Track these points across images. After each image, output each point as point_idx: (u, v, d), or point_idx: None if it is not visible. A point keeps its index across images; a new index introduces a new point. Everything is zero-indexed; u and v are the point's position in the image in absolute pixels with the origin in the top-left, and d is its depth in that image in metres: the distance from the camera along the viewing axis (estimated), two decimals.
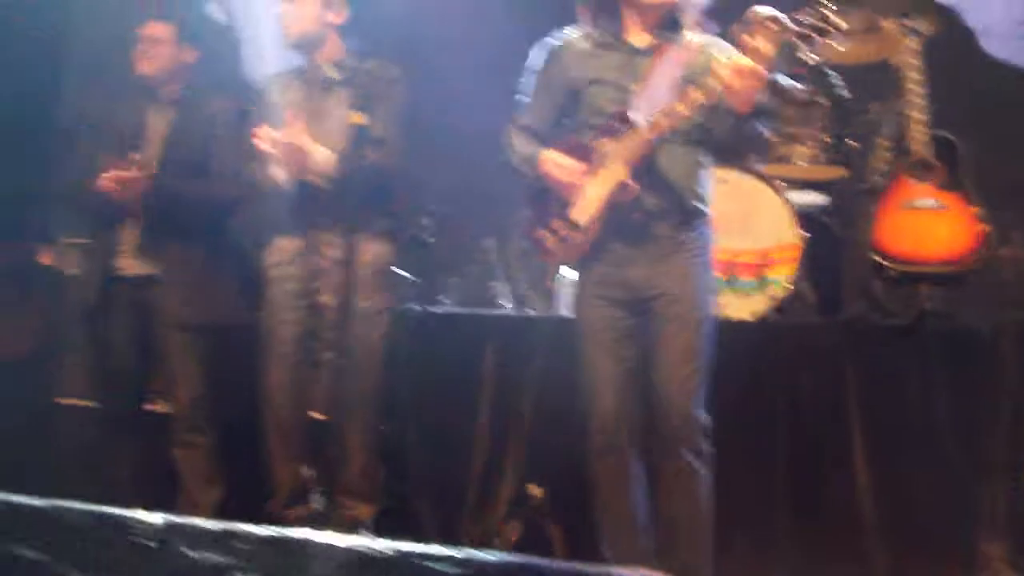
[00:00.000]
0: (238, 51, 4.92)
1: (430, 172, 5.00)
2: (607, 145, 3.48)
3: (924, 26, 4.74)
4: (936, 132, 4.58)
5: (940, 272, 4.46)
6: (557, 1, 3.90)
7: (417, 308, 4.79)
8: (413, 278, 4.99)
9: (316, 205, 4.12)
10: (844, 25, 3.16)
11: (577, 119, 3.67)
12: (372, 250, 4.16)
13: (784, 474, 4.40)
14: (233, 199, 4.47)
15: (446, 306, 5.14)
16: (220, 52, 4.83)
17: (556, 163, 3.53)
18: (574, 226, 3.53)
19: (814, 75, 5.16)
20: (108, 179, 4.25)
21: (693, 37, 3.57)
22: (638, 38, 3.57)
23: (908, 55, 4.64)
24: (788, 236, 4.74)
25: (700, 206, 3.55)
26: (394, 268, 4.46)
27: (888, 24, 4.95)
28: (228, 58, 5.03)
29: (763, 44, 3.19)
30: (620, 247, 3.51)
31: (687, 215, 3.52)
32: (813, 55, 3.25)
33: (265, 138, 3.98)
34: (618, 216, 3.48)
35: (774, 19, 3.19)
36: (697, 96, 3.31)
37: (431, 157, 4.92)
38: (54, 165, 5.16)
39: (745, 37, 3.24)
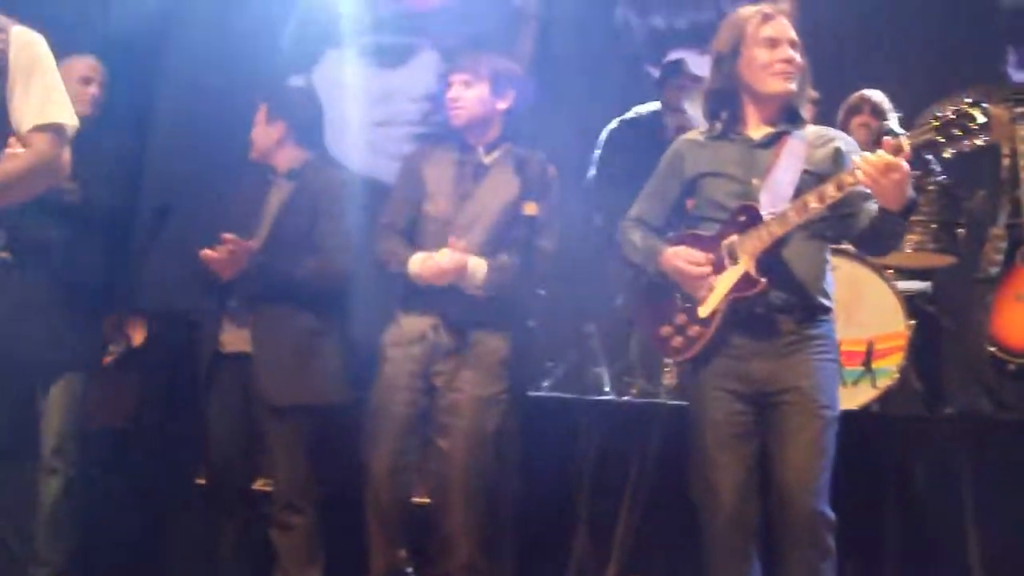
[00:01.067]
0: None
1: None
2: (733, 239, 3.45)
3: None
4: None
5: None
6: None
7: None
8: None
9: (453, 291, 4.12)
10: (983, 120, 3.11)
11: (693, 212, 3.65)
12: (494, 339, 4.15)
13: (895, 571, 4.29)
14: (334, 276, 4.44)
15: (548, 391, 5.09)
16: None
17: (684, 258, 3.50)
18: (701, 322, 3.49)
19: (915, 159, 5.11)
20: (208, 256, 4.26)
21: (810, 127, 3.55)
22: (756, 130, 3.55)
23: (1020, 141, 4.58)
24: (895, 325, 4.66)
25: (824, 301, 3.50)
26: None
27: (995, 110, 4.88)
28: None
29: (905, 140, 3.16)
30: (743, 341, 3.46)
31: (812, 310, 3.47)
32: (951, 151, 3.19)
33: (428, 268, 4.02)
34: (742, 310, 3.44)
35: (931, 118, 3.17)
36: (832, 192, 3.28)
37: None
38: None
39: (888, 140, 3.20)
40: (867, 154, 3.21)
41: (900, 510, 4.34)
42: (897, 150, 3.16)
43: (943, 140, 3.14)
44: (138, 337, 5.28)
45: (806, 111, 3.58)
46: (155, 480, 5.20)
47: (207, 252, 4.25)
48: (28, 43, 3.22)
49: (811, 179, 3.43)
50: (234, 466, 4.53)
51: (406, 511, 4.32)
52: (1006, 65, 6.76)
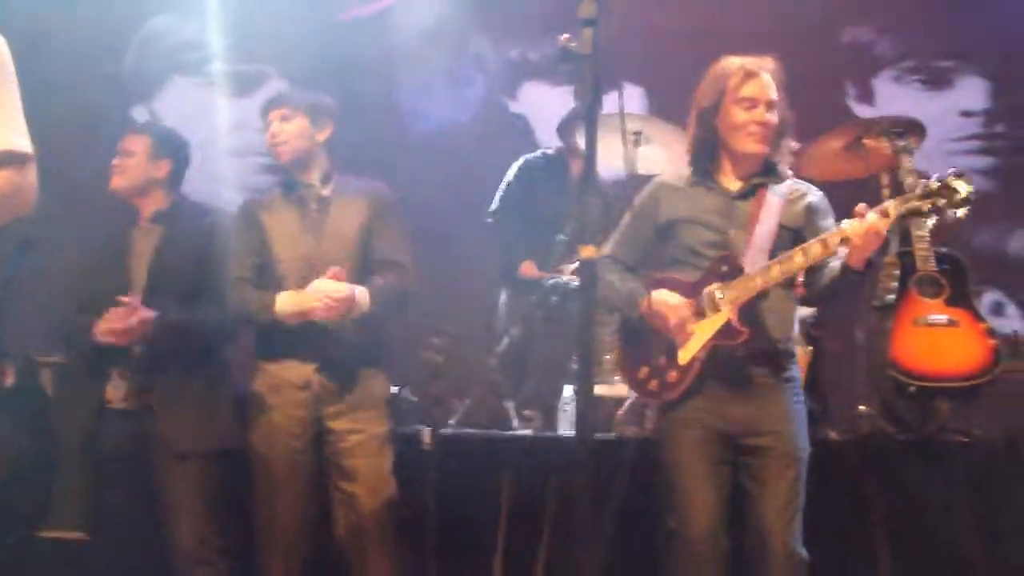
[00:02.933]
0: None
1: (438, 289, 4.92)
2: (714, 287, 3.49)
3: (913, 143, 4.93)
4: (940, 249, 4.73)
5: (956, 387, 4.56)
6: None
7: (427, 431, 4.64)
8: (414, 398, 4.88)
9: (326, 333, 4.02)
10: (966, 192, 3.25)
11: (666, 255, 3.67)
12: (377, 375, 4.15)
13: None
14: (234, 323, 4.28)
15: (456, 428, 5.00)
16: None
17: (667, 304, 3.51)
18: (680, 367, 3.51)
19: None
20: (106, 330, 4.06)
21: (786, 182, 3.63)
22: (733, 182, 3.62)
23: (905, 174, 4.79)
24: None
25: (793, 347, 3.59)
26: (396, 391, 4.39)
27: (872, 142, 5.10)
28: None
29: (892, 208, 3.28)
30: (719, 385, 3.54)
31: (784, 356, 3.58)
32: (933, 219, 3.34)
33: (322, 300, 3.91)
34: (720, 358, 3.50)
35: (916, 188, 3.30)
36: (817, 251, 3.37)
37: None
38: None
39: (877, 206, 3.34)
40: (856, 221, 3.28)
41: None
42: (884, 215, 3.28)
43: (928, 209, 3.28)
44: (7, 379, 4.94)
45: (785, 164, 3.65)
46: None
47: (104, 328, 4.05)
48: None
49: (786, 233, 3.56)
50: (127, 516, 4.27)
51: (314, 558, 4.19)
52: (847, 98, 7.11)
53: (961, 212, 3.29)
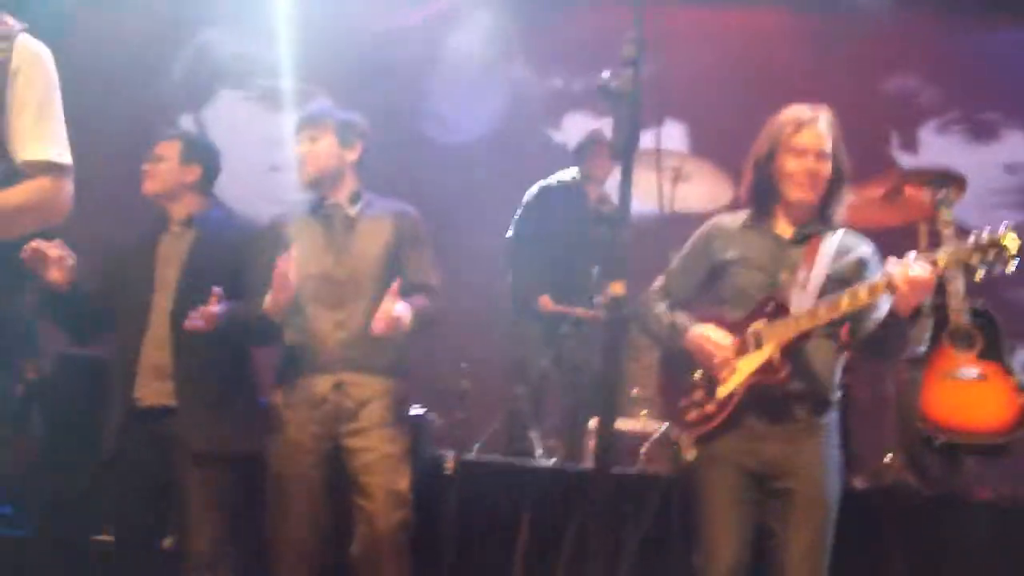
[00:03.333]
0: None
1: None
2: (759, 326, 3.52)
3: (953, 195, 4.92)
4: (974, 303, 4.71)
5: (985, 443, 4.53)
6: None
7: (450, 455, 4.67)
8: (439, 421, 4.91)
9: (340, 348, 4.05)
10: (1016, 247, 3.24)
11: (716, 295, 3.70)
12: (396, 391, 4.12)
13: None
14: (269, 330, 4.30)
15: (479, 454, 5.02)
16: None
17: (711, 339, 3.54)
18: (719, 401, 3.53)
19: None
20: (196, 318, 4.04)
21: (839, 232, 3.64)
22: (787, 228, 3.64)
23: (943, 225, 4.78)
24: None
25: (834, 395, 3.60)
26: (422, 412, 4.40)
27: (913, 191, 5.10)
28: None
29: (942, 258, 3.28)
30: (757, 423, 3.55)
31: (824, 402, 3.58)
32: (982, 273, 3.32)
33: (379, 320, 3.93)
34: (759, 395, 3.51)
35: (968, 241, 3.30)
36: (863, 296, 3.38)
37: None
38: None
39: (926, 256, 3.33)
40: (904, 269, 3.29)
41: None
42: (933, 264, 3.29)
43: (976, 262, 3.27)
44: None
45: (840, 215, 3.67)
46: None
47: (193, 320, 4.01)
48: (34, 58, 2.93)
49: (833, 284, 3.54)
50: (146, 521, 4.29)
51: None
52: (890, 147, 7.11)
53: (1010, 267, 3.27)
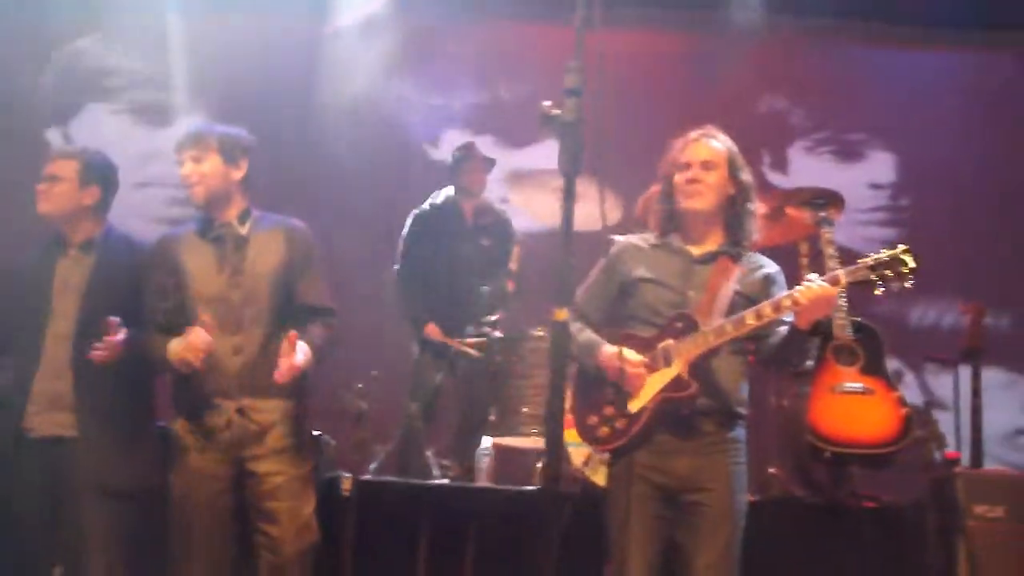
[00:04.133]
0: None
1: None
2: (668, 343, 3.59)
3: (833, 214, 5.09)
4: (856, 318, 4.88)
5: (872, 454, 4.69)
6: None
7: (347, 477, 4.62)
8: (333, 443, 4.86)
9: (239, 375, 3.97)
10: (913, 264, 3.38)
11: (627, 312, 3.74)
12: (296, 414, 4.04)
13: None
14: (154, 357, 4.19)
15: (376, 475, 4.97)
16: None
17: (622, 356, 3.58)
18: (629, 416, 3.58)
19: None
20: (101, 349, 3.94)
21: (747, 253, 3.73)
22: (693, 247, 3.72)
23: (825, 244, 4.94)
24: None
25: (741, 409, 3.69)
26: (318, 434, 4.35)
27: (794, 211, 5.25)
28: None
29: (843, 276, 3.40)
30: (667, 438, 3.61)
31: (731, 416, 3.66)
32: (880, 289, 3.45)
33: (281, 371, 3.84)
34: (668, 410, 3.57)
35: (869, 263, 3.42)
36: (768, 313, 3.48)
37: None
38: None
39: (828, 274, 3.47)
40: (809, 284, 3.41)
41: None
42: (835, 282, 3.42)
43: (876, 279, 3.41)
44: None
45: (749, 234, 3.74)
46: None
47: (98, 351, 3.92)
48: None
49: (741, 300, 3.65)
50: (35, 554, 4.14)
51: None
52: (762, 166, 7.31)
53: (908, 283, 3.41)
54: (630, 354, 3.60)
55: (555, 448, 2.58)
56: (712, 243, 3.75)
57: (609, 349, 3.64)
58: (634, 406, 3.60)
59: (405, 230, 5.96)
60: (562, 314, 2.58)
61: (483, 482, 5.07)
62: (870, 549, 4.62)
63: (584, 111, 2.72)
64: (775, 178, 7.26)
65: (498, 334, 5.35)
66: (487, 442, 5.19)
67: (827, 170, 7.42)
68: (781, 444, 5.09)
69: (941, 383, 6.77)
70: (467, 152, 6.01)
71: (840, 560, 4.61)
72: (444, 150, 7.52)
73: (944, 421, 5.48)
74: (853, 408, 4.76)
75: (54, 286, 4.18)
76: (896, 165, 7.47)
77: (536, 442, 5.19)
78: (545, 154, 7.36)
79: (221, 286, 4.01)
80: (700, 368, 3.57)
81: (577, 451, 4.89)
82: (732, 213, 3.74)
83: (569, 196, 2.67)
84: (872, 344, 4.88)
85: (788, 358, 3.68)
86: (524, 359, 5.27)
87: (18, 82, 7.12)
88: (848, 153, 7.51)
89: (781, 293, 3.61)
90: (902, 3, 7.09)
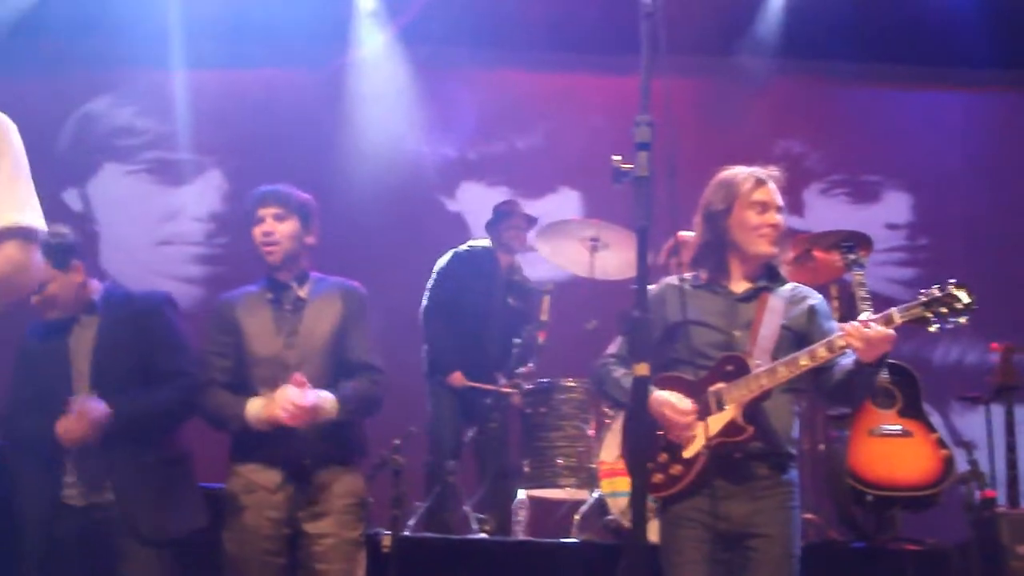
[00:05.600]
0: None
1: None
2: (720, 387, 3.54)
3: (863, 255, 5.10)
4: (893, 360, 4.87)
5: (913, 496, 4.67)
6: None
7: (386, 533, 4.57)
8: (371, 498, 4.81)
9: (297, 436, 3.92)
10: (967, 300, 3.35)
11: (671, 356, 3.70)
12: (352, 478, 4.04)
13: None
14: (191, 396, 4.18)
15: (415, 531, 4.93)
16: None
17: (670, 403, 3.53)
18: (684, 462, 3.53)
19: None
20: (65, 434, 3.93)
21: (787, 285, 3.71)
22: (738, 284, 3.68)
23: (857, 286, 4.94)
24: None
25: (792, 450, 3.64)
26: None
27: (822, 254, 5.26)
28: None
29: (897, 315, 3.37)
30: (721, 483, 3.53)
31: (784, 457, 3.60)
32: (935, 327, 3.41)
33: (287, 408, 3.83)
34: (723, 454, 3.52)
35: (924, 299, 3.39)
36: (822, 355, 3.44)
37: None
38: None
39: (882, 315, 3.40)
40: (859, 325, 3.37)
41: None
42: (888, 322, 3.37)
43: (930, 316, 3.36)
44: None
45: (784, 269, 3.73)
46: None
47: (62, 426, 3.91)
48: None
49: (789, 334, 3.59)
50: None
51: None
52: None
53: (963, 320, 3.38)
54: (679, 401, 3.54)
55: (640, 499, 2.51)
56: (752, 280, 3.70)
57: (657, 397, 3.54)
58: (688, 453, 3.55)
59: (440, 266, 5.95)
60: (642, 368, 2.54)
61: (519, 535, 5.05)
62: None
63: (652, 165, 2.66)
64: (791, 221, 7.17)
65: (528, 386, 5.34)
66: (522, 495, 5.17)
67: (843, 211, 7.44)
68: (820, 488, 5.06)
69: (966, 422, 6.77)
70: (511, 209, 6.02)
71: None
72: (460, 201, 7.57)
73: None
74: (893, 451, 4.74)
75: (70, 353, 4.17)
76: (912, 205, 7.50)
77: (572, 494, 5.18)
78: (561, 204, 7.52)
79: (277, 347, 4.02)
80: (753, 412, 3.51)
81: (615, 501, 4.91)
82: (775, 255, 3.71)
83: (643, 250, 2.63)
84: (909, 386, 4.88)
85: (854, 392, 3.61)
86: (555, 410, 5.28)
87: (34, 145, 7.12)
88: (864, 194, 7.54)
89: (828, 324, 3.58)
90: (917, 44, 7.13)
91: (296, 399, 3.84)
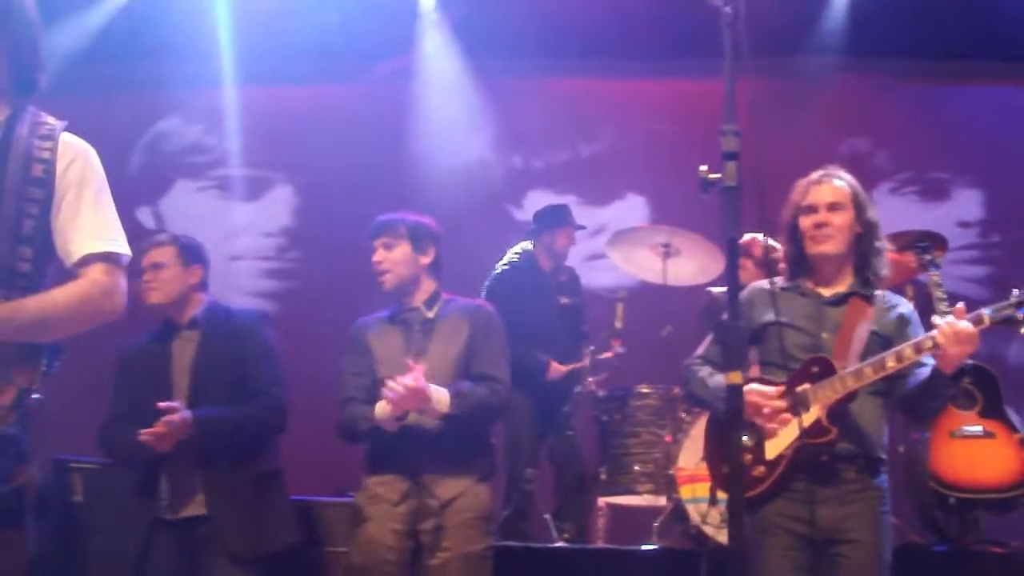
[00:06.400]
0: None
1: None
2: (805, 387, 3.51)
3: (939, 256, 5.05)
4: (970, 361, 4.81)
5: (997, 498, 4.62)
6: None
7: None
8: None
9: (423, 446, 3.99)
10: None
11: (760, 358, 3.70)
12: (477, 492, 4.04)
13: None
14: (279, 414, 4.26)
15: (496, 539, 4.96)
16: None
17: (760, 393, 3.53)
18: (767, 463, 3.52)
19: None
20: (150, 433, 3.98)
21: (878, 292, 3.69)
22: (826, 287, 3.67)
23: (934, 286, 4.90)
24: None
25: (883, 455, 3.59)
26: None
27: (897, 255, 5.21)
28: None
29: (987, 316, 3.32)
30: (807, 486, 3.49)
31: (873, 462, 3.55)
32: None
33: (395, 386, 3.87)
34: (808, 456, 3.48)
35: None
36: (910, 355, 3.41)
37: None
38: None
39: (972, 313, 3.34)
40: (952, 321, 3.33)
41: None
42: (978, 322, 3.32)
43: (1021, 317, 3.31)
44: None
45: (880, 274, 3.68)
46: None
47: (147, 433, 3.97)
48: (78, 155, 2.78)
49: (877, 340, 3.56)
50: None
51: None
52: None
53: None
54: (766, 392, 3.49)
55: (738, 508, 2.50)
56: (842, 284, 3.66)
57: (751, 390, 3.49)
58: (771, 452, 3.52)
59: (488, 283, 6.01)
60: (735, 377, 2.54)
61: (599, 542, 5.07)
62: None
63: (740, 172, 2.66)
64: None
65: (603, 393, 5.37)
66: (599, 502, 5.19)
67: (913, 210, 7.38)
68: (901, 491, 5.01)
69: None
70: (565, 214, 6.06)
71: None
72: (527, 210, 7.60)
73: None
74: (974, 452, 4.69)
75: (172, 367, 4.26)
76: (984, 202, 7.42)
77: (650, 500, 5.19)
78: (627, 211, 7.53)
79: (406, 368, 4.07)
80: (839, 413, 3.47)
81: (694, 507, 4.91)
82: (860, 253, 3.65)
83: (733, 259, 2.63)
84: (990, 387, 4.82)
85: (928, 403, 3.55)
86: (631, 416, 5.29)
87: (107, 165, 7.26)
88: (933, 192, 7.47)
89: (917, 332, 3.53)
90: (983, 39, 7.04)
91: (405, 380, 3.86)
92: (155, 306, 4.32)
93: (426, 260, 4.21)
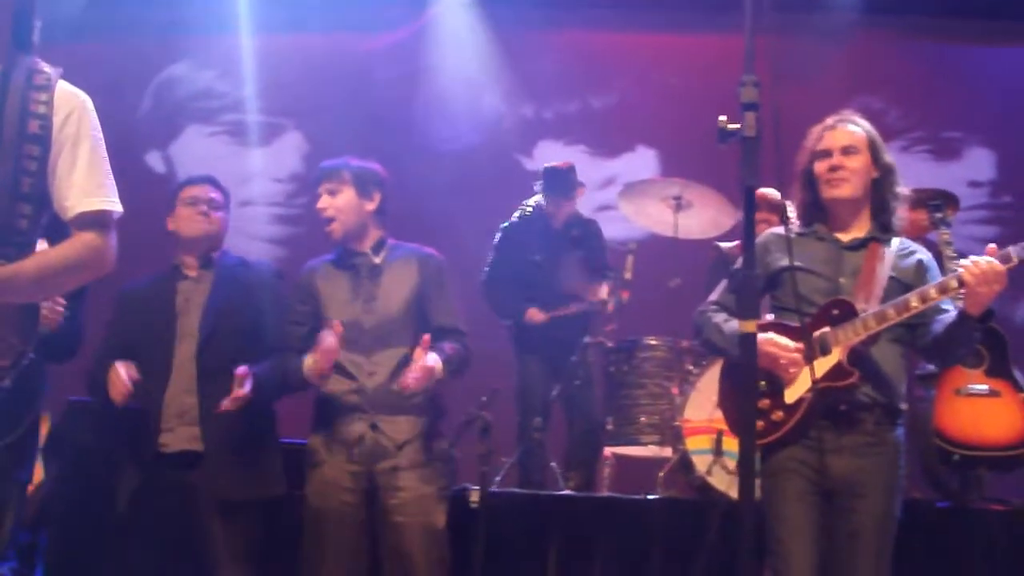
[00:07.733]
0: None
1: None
2: (825, 331, 3.49)
3: (950, 214, 5.05)
4: None
5: (1000, 456, 4.64)
6: None
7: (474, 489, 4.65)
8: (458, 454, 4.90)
9: (386, 395, 4.04)
10: None
11: (775, 303, 3.69)
12: (431, 433, 4.12)
13: None
14: (291, 378, 4.28)
15: (501, 486, 5.01)
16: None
17: (776, 344, 3.51)
18: (786, 407, 3.50)
19: None
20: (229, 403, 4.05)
21: (896, 239, 3.67)
22: (844, 233, 3.65)
23: (943, 245, 4.90)
24: None
25: (902, 405, 3.57)
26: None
27: (909, 213, 5.20)
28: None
29: (1015, 253, 3.31)
30: (824, 435, 3.46)
31: (892, 412, 3.53)
32: None
33: (415, 373, 3.91)
34: (828, 401, 3.45)
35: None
36: (934, 295, 3.38)
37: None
38: None
39: (1001, 251, 3.33)
40: (978, 259, 3.30)
41: None
42: (1006, 260, 3.30)
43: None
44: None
45: (896, 219, 3.66)
46: None
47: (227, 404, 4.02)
48: (75, 108, 2.80)
49: (896, 285, 3.53)
50: (166, 572, 4.21)
51: None
52: None
53: None
54: (784, 341, 3.48)
55: (748, 459, 2.51)
56: (860, 229, 3.64)
57: (762, 337, 3.43)
58: (791, 396, 3.48)
59: (499, 235, 6.00)
60: (749, 326, 2.54)
61: (604, 491, 5.11)
62: (1000, 552, 4.56)
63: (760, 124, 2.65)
64: None
65: (611, 344, 5.39)
66: (606, 451, 5.23)
67: (924, 169, 7.37)
68: (906, 447, 5.03)
69: None
70: (569, 186, 5.94)
71: (970, 564, 4.56)
72: (537, 160, 7.59)
73: None
74: (980, 410, 4.70)
75: (177, 306, 4.29)
76: (996, 162, 7.40)
77: (655, 451, 5.22)
78: (637, 163, 7.52)
79: (355, 312, 4.12)
80: (860, 356, 3.43)
81: (700, 458, 4.94)
82: (878, 197, 3.64)
83: (750, 209, 2.62)
84: (997, 346, 4.82)
85: (955, 348, 3.52)
86: (638, 368, 5.32)
87: (116, 109, 7.25)
88: (945, 151, 7.45)
89: (937, 279, 3.49)
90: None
91: (419, 361, 3.92)
92: (191, 239, 4.36)
93: (371, 206, 4.22)
